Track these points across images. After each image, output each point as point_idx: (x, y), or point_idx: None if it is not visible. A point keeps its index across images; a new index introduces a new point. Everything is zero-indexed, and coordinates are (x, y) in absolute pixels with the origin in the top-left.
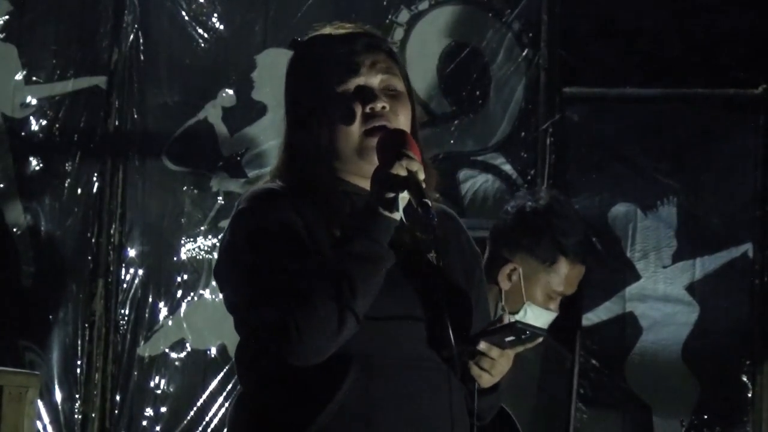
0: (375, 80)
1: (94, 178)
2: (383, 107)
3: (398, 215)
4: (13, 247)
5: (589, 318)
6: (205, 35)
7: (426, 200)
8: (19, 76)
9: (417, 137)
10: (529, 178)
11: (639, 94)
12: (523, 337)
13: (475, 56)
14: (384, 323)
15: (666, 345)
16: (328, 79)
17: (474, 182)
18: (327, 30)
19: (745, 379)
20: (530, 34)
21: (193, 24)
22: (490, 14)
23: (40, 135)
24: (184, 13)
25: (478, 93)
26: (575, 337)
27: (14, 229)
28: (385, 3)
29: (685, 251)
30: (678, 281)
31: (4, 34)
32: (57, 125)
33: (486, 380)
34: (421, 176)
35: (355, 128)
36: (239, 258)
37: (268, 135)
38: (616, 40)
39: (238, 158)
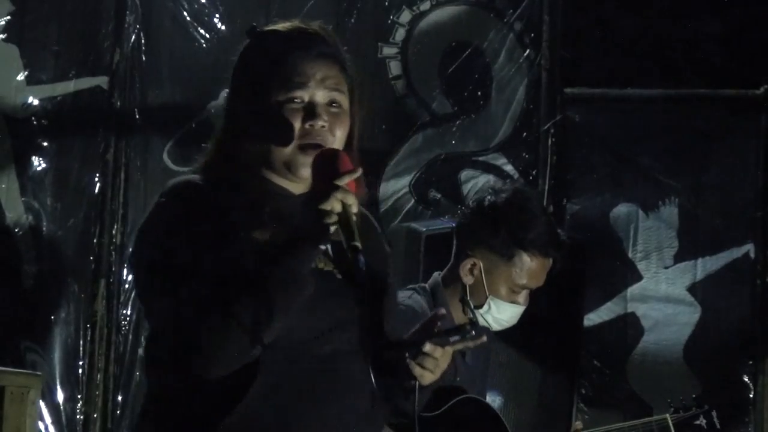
0: (320, 95)
1: (96, 179)
2: (322, 126)
3: (324, 247)
4: (14, 247)
5: (591, 318)
6: (207, 35)
7: (355, 243)
8: (20, 77)
9: (353, 153)
10: (530, 178)
11: (640, 94)
12: (467, 336)
13: (477, 56)
14: (291, 330)
15: (667, 345)
16: (275, 84)
17: (476, 183)
18: (287, 27)
19: (746, 379)
20: (532, 35)
21: (195, 24)
22: (492, 15)
23: (42, 135)
24: (185, 14)
25: (479, 93)
26: (577, 337)
27: (16, 230)
28: (386, 3)
29: (686, 252)
30: (679, 282)
31: (5, 35)
32: (59, 126)
33: (428, 379)
34: (354, 210)
35: (291, 142)
36: (153, 252)
37: None
38: (618, 41)
39: None
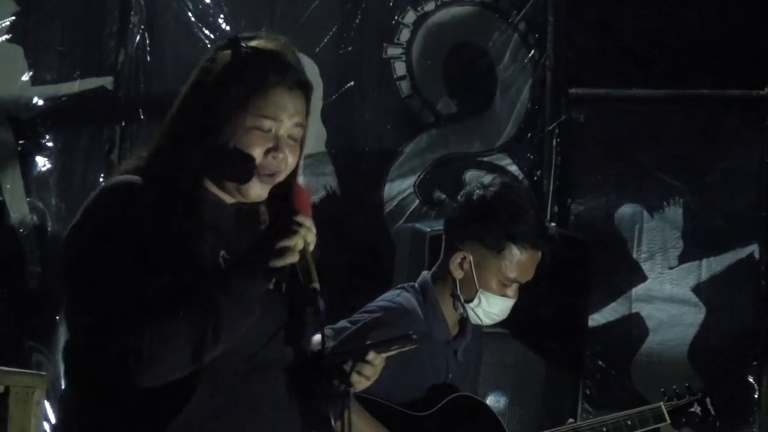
0: (285, 129)
1: (101, 179)
2: (282, 158)
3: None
4: (19, 247)
5: (596, 319)
6: (212, 36)
7: (315, 285)
8: (25, 77)
9: (296, 174)
10: (535, 178)
11: (645, 95)
12: (403, 343)
13: (481, 57)
14: (234, 342)
15: (672, 346)
16: (249, 107)
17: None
18: (270, 47)
19: (751, 379)
20: (536, 35)
21: (200, 25)
22: (497, 15)
23: (47, 135)
24: (190, 14)
25: (484, 94)
26: (581, 338)
27: (21, 230)
28: (391, 4)
29: (691, 252)
30: (684, 282)
31: (10, 35)
32: (63, 126)
33: (363, 385)
34: (312, 247)
35: (250, 171)
36: (88, 255)
37: None
38: (622, 42)
39: None
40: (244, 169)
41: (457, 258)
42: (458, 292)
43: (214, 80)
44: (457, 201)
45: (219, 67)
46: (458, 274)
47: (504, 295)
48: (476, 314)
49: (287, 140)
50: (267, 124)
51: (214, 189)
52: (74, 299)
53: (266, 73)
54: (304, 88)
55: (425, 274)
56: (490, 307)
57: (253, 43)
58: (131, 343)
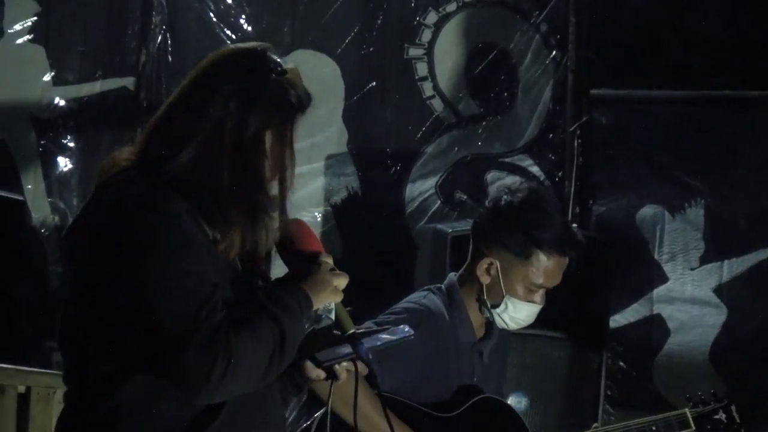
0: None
1: None
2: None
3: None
4: (41, 247)
5: (617, 320)
6: (233, 36)
7: (352, 331)
8: (47, 77)
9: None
10: (556, 179)
11: (666, 96)
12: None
13: (503, 58)
14: None
15: (693, 347)
16: (276, 135)
17: (501, 184)
18: (295, 76)
19: None
20: (558, 36)
21: (221, 25)
22: (518, 16)
23: (68, 136)
24: (212, 14)
25: (505, 94)
26: (603, 338)
27: (42, 230)
28: (413, 4)
29: (712, 253)
30: (705, 283)
31: (31, 35)
32: (85, 126)
33: (345, 377)
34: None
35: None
36: (150, 269)
37: (296, 136)
38: (643, 43)
39: None
40: (257, 184)
41: (484, 264)
42: (485, 297)
43: (252, 100)
44: (483, 206)
45: (269, 90)
46: (485, 279)
47: (530, 301)
48: (503, 319)
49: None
50: (277, 150)
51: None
52: (126, 312)
53: (299, 105)
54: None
55: (452, 276)
56: (517, 313)
57: (290, 76)
58: (206, 359)
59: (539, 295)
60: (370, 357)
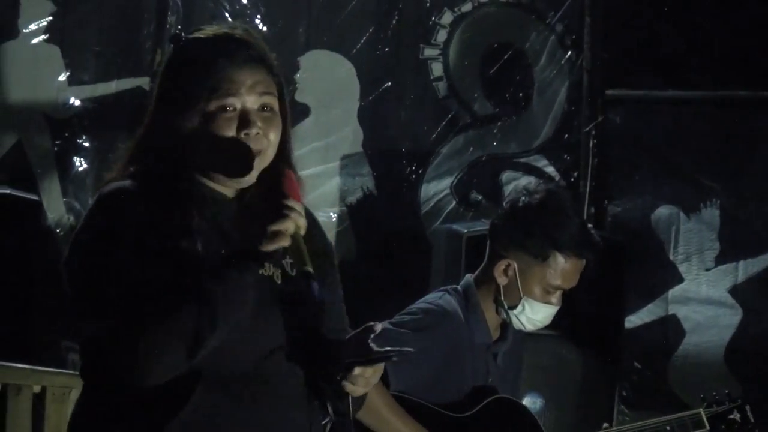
0: (251, 101)
1: None
2: (256, 133)
3: (270, 269)
4: (56, 247)
5: (632, 320)
6: None
7: (308, 269)
8: (62, 77)
9: (288, 151)
10: (572, 180)
11: (681, 96)
12: (394, 354)
13: (518, 58)
14: (233, 338)
15: (708, 347)
16: (206, 92)
17: (517, 184)
18: (211, 32)
19: None
20: (573, 37)
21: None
22: (533, 16)
23: (83, 136)
24: (227, 14)
25: (520, 95)
26: (618, 339)
27: (57, 230)
28: (428, 4)
29: (728, 254)
30: (721, 284)
31: (47, 35)
32: (100, 126)
33: (360, 392)
34: (303, 231)
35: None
36: (89, 259)
37: (312, 136)
38: (659, 43)
39: None
40: (226, 153)
41: (501, 265)
42: (502, 299)
43: (169, 80)
44: (499, 206)
45: (169, 65)
46: (502, 280)
47: (548, 302)
48: (519, 320)
49: (259, 113)
50: (228, 101)
51: (210, 184)
52: (77, 305)
53: (211, 55)
54: (259, 61)
55: (468, 277)
56: (534, 314)
57: (194, 35)
58: (128, 341)
59: (556, 297)
60: (323, 299)
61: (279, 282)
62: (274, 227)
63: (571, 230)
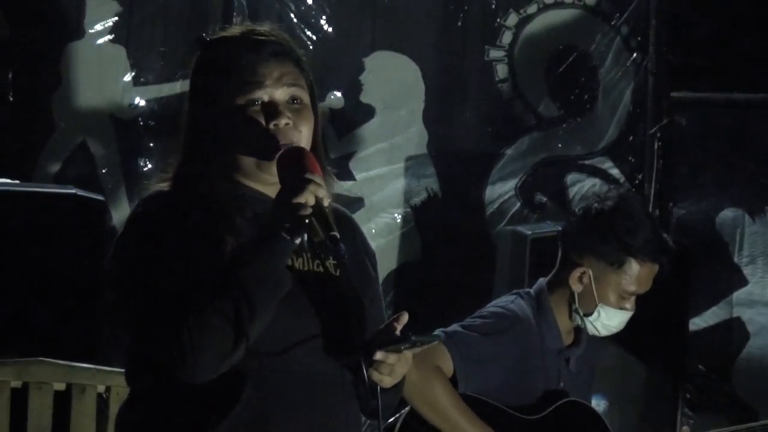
0: (280, 93)
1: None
2: (286, 123)
3: (299, 241)
4: None
5: (696, 323)
6: (314, 37)
7: (334, 233)
8: (127, 78)
9: (319, 147)
10: (636, 182)
11: (747, 98)
12: (419, 342)
13: (584, 60)
14: (278, 337)
15: None
16: (232, 88)
17: (581, 186)
18: (236, 32)
19: None
20: (638, 38)
21: (302, 26)
22: (599, 18)
23: (148, 136)
24: (292, 15)
25: (586, 97)
26: (682, 341)
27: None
28: (493, 6)
29: None
30: None
31: (112, 35)
32: (165, 127)
33: (387, 382)
34: (327, 202)
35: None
36: (131, 261)
37: (377, 137)
38: (724, 45)
39: (346, 161)
40: (249, 138)
41: (576, 273)
42: (576, 305)
43: (198, 81)
44: (572, 213)
45: (197, 67)
46: (577, 288)
47: (623, 308)
48: (595, 327)
49: (287, 104)
50: (256, 94)
51: (253, 184)
52: (121, 308)
53: (236, 52)
54: (285, 54)
55: (542, 282)
56: (609, 320)
57: (219, 35)
58: (173, 338)
59: (631, 302)
60: (345, 256)
61: (320, 271)
62: (296, 200)
63: (645, 235)
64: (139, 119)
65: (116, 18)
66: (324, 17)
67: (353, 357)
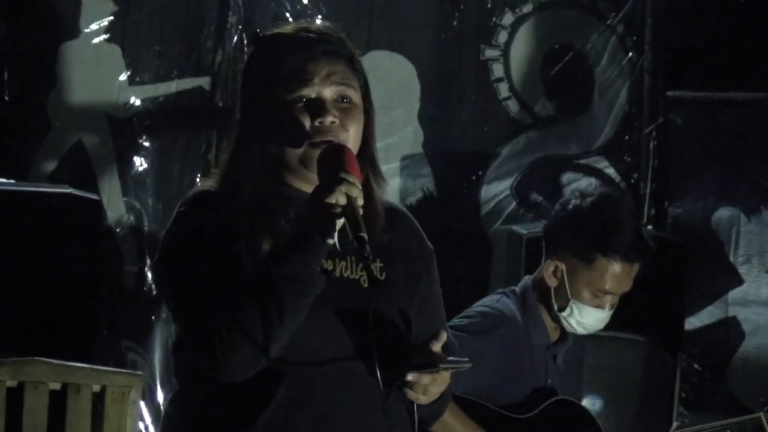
0: (328, 92)
1: (197, 179)
2: (332, 122)
3: (332, 241)
4: (116, 247)
5: (692, 322)
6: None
7: (362, 234)
8: (123, 77)
9: (370, 148)
10: (632, 181)
11: (743, 97)
12: (450, 367)
13: (579, 59)
14: (315, 339)
15: None
16: (281, 85)
17: (577, 186)
18: (289, 29)
19: None
20: (634, 38)
21: None
22: (595, 17)
23: (144, 135)
24: (288, 14)
25: (581, 96)
26: (677, 341)
27: (117, 229)
28: (489, 5)
29: None
30: None
31: (108, 35)
32: (160, 126)
33: (423, 400)
34: (360, 202)
35: (303, 141)
36: (173, 261)
37: None
38: (720, 44)
39: None
40: (295, 137)
41: (550, 266)
42: (553, 301)
43: (249, 78)
44: (554, 208)
45: (248, 64)
46: (552, 282)
47: (598, 306)
48: (569, 323)
49: (335, 103)
50: (303, 91)
51: (298, 184)
52: (168, 305)
53: (289, 46)
54: (336, 54)
55: (526, 279)
56: (583, 318)
57: (272, 31)
58: (207, 335)
59: (607, 301)
60: (370, 258)
61: (357, 279)
62: (327, 199)
63: (621, 234)
64: (135, 119)
65: (112, 17)
66: (319, 16)
67: (390, 375)
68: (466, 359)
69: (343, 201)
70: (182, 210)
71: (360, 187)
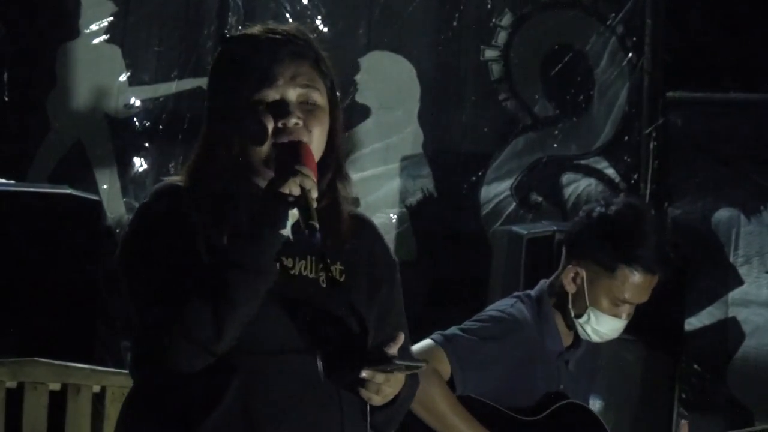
0: (292, 93)
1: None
2: (296, 123)
3: (286, 233)
4: (115, 247)
5: (692, 323)
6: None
7: (313, 222)
8: (122, 77)
9: (337, 150)
10: (632, 182)
11: (743, 98)
12: (405, 366)
13: (579, 60)
14: (268, 330)
15: None
16: (246, 86)
17: (577, 186)
18: (256, 30)
19: None
20: (634, 38)
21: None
22: (594, 18)
23: (144, 136)
24: (287, 15)
25: (581, 97)
26: (678, 341)
27: (117, 230)
28: (489, 6)
29: None
30: None
31: (108, 35)
32: (160, 126)
33: (376, 400)
34: (314, 194)
35: (266, 142)
36: (130, 251)
37: (372, 137)
38: (720, 45)
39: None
40: (258, 137)
41: (570, 273)
42: (570, 307)
43: (216, 79)
44: (578, 215)
45: (216, 64)
46: (571, 288)
47: (615, 315)
48: (585, 330)
49: (299, 105)
50: (269, 93)
51: (261, 182)
52: (126, 296)
53: (256, 47)
54: (302, 56)
55: (543, 283)
56: (599, 326)
57: (240, 33)
58: (156, 324)
59: (624, 310)
60: (320, 246)
61: (323, 286)
62: (281, 189)
63: (644, 246)
64: (135, 119)
65: (112, 18)
66: (319, 17)
67: (344, 371)
68: (422, 361)
69: (296, 191)
70: (145, 202)
71: (314, 180)
